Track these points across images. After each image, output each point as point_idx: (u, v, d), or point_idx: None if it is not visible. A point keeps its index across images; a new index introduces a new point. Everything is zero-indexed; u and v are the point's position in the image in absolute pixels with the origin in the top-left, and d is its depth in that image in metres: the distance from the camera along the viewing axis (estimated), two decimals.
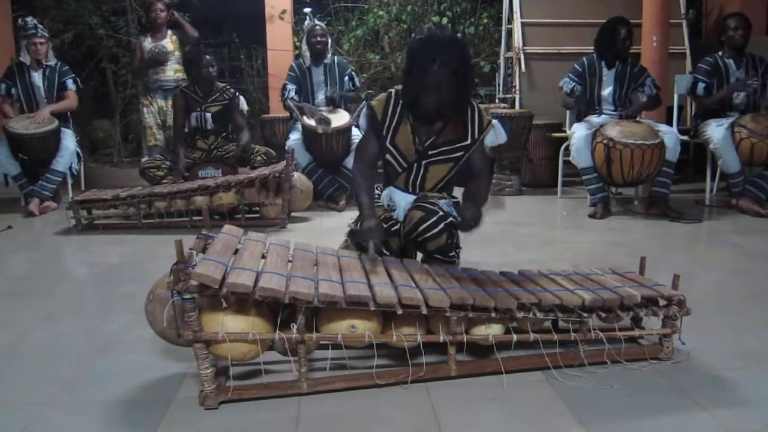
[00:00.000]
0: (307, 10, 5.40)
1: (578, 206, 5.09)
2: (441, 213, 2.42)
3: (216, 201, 4.39)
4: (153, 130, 5.64)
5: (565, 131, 5.48)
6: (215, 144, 5.02)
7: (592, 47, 4.97)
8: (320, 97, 5.38)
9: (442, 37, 2.40)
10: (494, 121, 2.62)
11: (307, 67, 5.35)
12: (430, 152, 2.58)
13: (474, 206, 2.39)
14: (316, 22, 5.40)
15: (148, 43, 5.62)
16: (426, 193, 2.61)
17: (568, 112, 5.35)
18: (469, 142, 2.57)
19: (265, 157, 4.96)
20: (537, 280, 2.37)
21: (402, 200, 2.61)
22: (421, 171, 2.61)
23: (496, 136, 2.62)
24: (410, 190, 2.63)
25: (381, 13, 7.25)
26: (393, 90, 2.62)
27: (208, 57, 4.92)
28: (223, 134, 5.06)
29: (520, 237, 4.14)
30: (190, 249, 2.03)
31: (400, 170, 2.62)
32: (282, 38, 6.92)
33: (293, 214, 4.76)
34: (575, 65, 5.00)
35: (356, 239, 2.47)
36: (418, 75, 2.40)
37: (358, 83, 5.51)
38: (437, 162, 2.59)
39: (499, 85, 6.99)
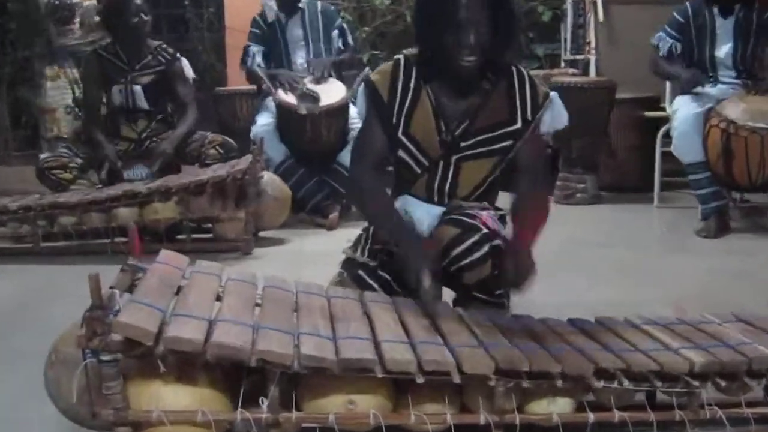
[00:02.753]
0: None
1: (683, 219, 5.07)
2: (485, 230, 2.43)
3: (149, 215, 4.40)
4: (57, 114, 5.68)
5: (663, 109, 5.47)
6: (148, 131, 5.03)
7: None
8: (299, 61, 5.40)
9: None
10: (552, 94, 2.65)
11: (276, 19, 5.38)
12: (462, 143, 2.60)
13: (522, 243, 2.39)
14: None
15: None
16: (460, 202, 2.62)
17: (668, 81, 5.35)
18: (519, 125, 2.59)
19: (220, 150, 4.96)
20: (623, 333, 2.36)
21: (424, 214, 2.62)
22: (450, 172, 2.62)
23: (553, 116, 2.65)
24: (435, 200, 2.64)
25: None
26: (402, 55, 2.63)
27: (138, 2, 4.96)
28: (160, 116, 5.07)
29: (597, 264, 4.11)
30: (112, 287, 2.03)
31: (419, 172, 2.63)
32: None
33: (262, 233, 4.76)
34: (674, 13, 5.01)
35: (400, 270, 2.45)
36: (437, 10, 2.44)
37: (351, 41, 5.53)
38: (474, 157, 2.60)
39: (565, 41, 7.00)
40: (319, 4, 5.51)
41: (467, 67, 2.49)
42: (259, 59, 5.34)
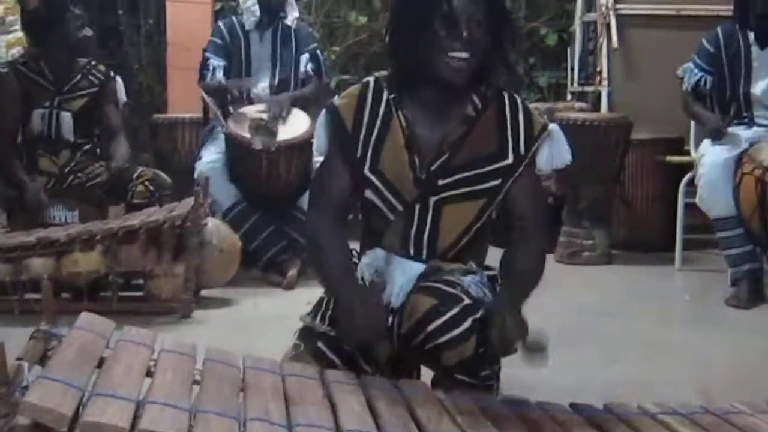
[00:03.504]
0: None
1: (710, 284, 5.11)
2: (466, 301, 2.43)
3: (68, 267, 4.39)
4: None
5: (688, 152, 5.52)
6: (72, 164, 5.06)
7: (732, 7, 5.05)
8: (261, 84, 5.44)
9: None
10: (552, 126, 2.66)
11: (243, 30, 5.44)
12: (441, 181, 2.60)
13: (510, 300, 2.41)
14: None
15: None
16: (440, 263, 2.62)
17: (693, 121, 5.41)
18: (510, 161, 2.60)
19: (150, 187, 4.97)
20: (636, 424, 2.35)
21: (398, 273, 2.62)
22: (429, 217, 2.62)
23: (552, 153, 2.66)
24: (412, 253, 2.64)
25: None
26: (371, 78, 2.66)
27: (76, 11, 4.99)
28: (86, 147, 5.09)
29: (608, 338, 4.13)
30: (19, 358, 2.01)
31: (391, 218, 2.63)
32: None
33: (205, 292, 4.77)
34: (702, 41, 5.07)
35: (348, 342, 2.48)
36: (424, 17, 2.47)
37: (323, 70, 5.61)
38: (456, 199, 2.61)
39: (572, 69, 7.08)
40: (295, 22, 5.57)
41: (455, 72, 2.49)
42: (219, 75, 5.39)
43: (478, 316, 2.41)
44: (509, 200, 2.63)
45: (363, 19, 7.33)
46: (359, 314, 2.43)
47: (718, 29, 5.05)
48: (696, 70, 5.03)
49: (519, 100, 2.66)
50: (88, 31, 5.01)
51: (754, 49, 4.95)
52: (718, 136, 4.89)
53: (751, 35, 4.94)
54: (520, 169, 2.61)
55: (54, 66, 5.02)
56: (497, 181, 2.60)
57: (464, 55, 2.49)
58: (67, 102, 5.01)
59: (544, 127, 2.64)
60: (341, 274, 2.53)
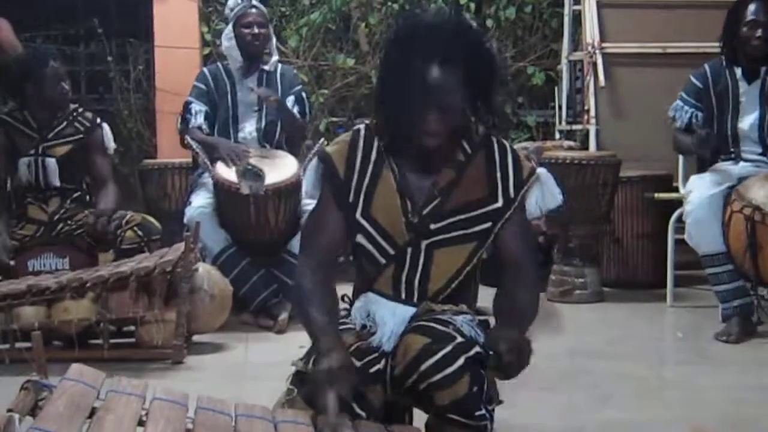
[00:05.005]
0: None
1: (702, 321, 5.11)
2: (459, 339, 2.43)
3: (58, 315, 4.37)
4: None
5: (677, 189, 5.54)
6: (61, 212, 5.05)
7: (719, 44, 5.08)
8: (248, 128, 5.46)
9: (439, 20, 2.51)
10: (540, 170, 2.69)
11: (228, 76, 5.48)
12: (432, 225, 2.61)
13: (510, 327, 2.42)
14: (253, 1, 5.53)
15: None
16: (431, 305, 2.62)
17: (680, 157, 5.43)
18: (500, 204, 2.62)
19: (139, 233, 4.96)
20: None
21: (389, 316, 2.61)
22: (421, 261, 2.62)
23: (543, 195, 2.68)
24: (403, 298, 2.64)
25: None
26: (362, 126, 2.68)
27: (54, 65, 4.99)
28: (75, 194, 5.09)
29: (601, 379, 4.11)
30: (9, 410, 2.00)
31: (383, 262, 2.64)
32: (180, 27, 7.06)
33: (196, 338, 4.74)
34: (691, 78, 5.10)
35: (308, 389, 2.46)
36: (401, 88, 2.48)
37: (307, 111, 5.62)
38: (447, 243, 2.62)
39: (560, 108, 7.11)
40: (279, 65, 5.61)
41: (431, 138, 2.52)
42: (200, 120, 5.40)
43: (471, 354, 2.41)
44: (500, 243, 2.64)
45: (350, 62, 7.36)
46: (333, 359, 2.39)
47: (706, 66, 5.08)
48: (686, 107, 5.04)
49: (507, 145, 2.68)
50: (65, 86, 4.99)
51: (742, 84, 4.97)
52: (706, 143, 4.85)
53: (738, 71, 4.97)
54: (510, 213, 2.62)
55: (37, 114, 5.02)
56: (487, 225, 2.62)
57: (433, 141, 2.51)
58: (51, 148, 5.01)
59: (533, 171, 2.66)
60: (323, 322, 2.50)
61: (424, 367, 2.41)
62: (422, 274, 2.63)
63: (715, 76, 5.02)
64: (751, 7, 4.81)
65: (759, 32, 4.79)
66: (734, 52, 4.94)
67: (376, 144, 2.64)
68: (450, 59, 2.46)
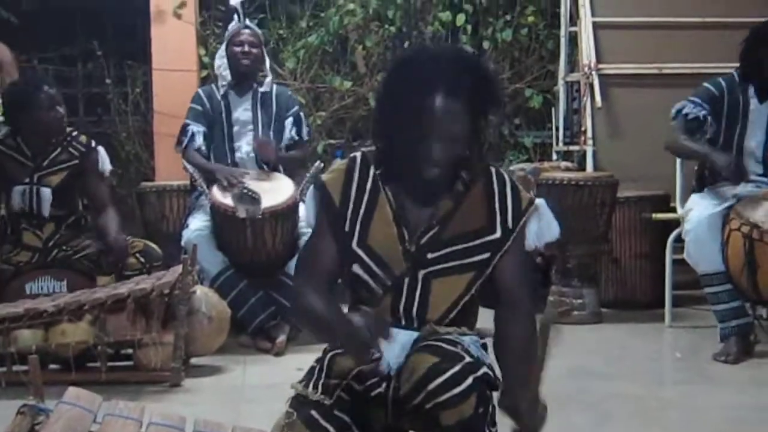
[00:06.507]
0: (234, 0, 5.55)
1: (701, 341, 5.11)
2: (468, 359, 2.42)
3: (56, 338, 4.36)
4: None
5: (674, 209, 5.54)
6: (56, 237, 5.04)
7: (716, 65, 5.09)
8: (244, 148, 5.46)
9: (441, 51, 2.53)
10: (538, 201, 2.68)
11: (223, 96, 5.49)
12: (430, 255, 2.60)
13: (521, 385, 2.44)
14: (246, 21, 5.57)
15: None
16: (435, 327, 2.61)
17: (678, 173, 5.40)
18: (498, 235, 2.60)
19: (141, 259, 4.98)
20: None
21: (393, 341, 2.60)
22: (418, 290, 2.61)
23: (540, 227, 2.67)
24: (402, 324, 2.63)
25: (351, 6, 7.44)
26: (358, 154, 2.66)
27: (49, 91, 4.98)
28: (70, 220, 5.09)
29: (600, 399, 4.11)
30: None
31: (380, 292, 2.62)
32: (178, 49, 7.07)
33: (194, 360, 4.73)
34: (705, 85, 5.05)
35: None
36: (404, 115, 2.47)
37: (305, 133, 5.64)
38: (445, 272, 2.60)
39: (557, 129, 7.11)
40: (274, 86, 5.62)
41: (431, 169, 2.51)
42: (200, 141, 5.41)
43: (479, 374, 2.41)
44: (497, 273, 2.62)
45: (347, 84, 7.38)
46: (360, 331, 2.40)
47: (720, 79, 5.04)
48: (694, 107, 4.95)
49: (506, 176, 2.67)
50: (60, 111, 4.97)
51: (753, 102, 4.96)
52: (737, 172, 4.80)
53: (751, 89, 4.97)
54: (509, 244, 2.61)
55: (31, 141, 5.02)
56: (486, 255, 2.60)
57: (436, 171, 2.51)
58: (46, 177, 5.00)
59: (531, 202, 2.65)
60: (334, 314, 2.50)
61: (432, 386, 2.39)
62: (420, 303, 2.61)
63: (729, 88, 5.00)
64: None
65: None
66: (753, 70, 4.92)
67: (372, 172, 2.62)
68: (453, 89, 2.45)
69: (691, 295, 5.73)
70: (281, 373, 3.98)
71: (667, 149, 5.20)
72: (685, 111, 4.98)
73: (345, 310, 2.62)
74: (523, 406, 2.43)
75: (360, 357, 2.44)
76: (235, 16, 5.60)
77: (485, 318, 2.77)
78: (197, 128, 5.43)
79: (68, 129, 5.16)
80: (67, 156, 5.05)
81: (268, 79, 5.59)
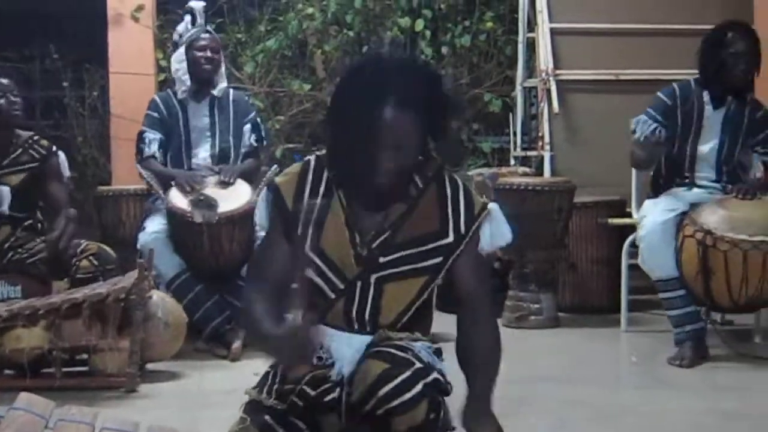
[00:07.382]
0: (195, 3, 5.52)
1: (656, 345, 5.14)
2: (418, 365, 2.42)
3: (10, 343, 4.33)
4: None
5: (630, 214, 5.58)
6: (12, 240, 5.02)
7: (673, 71, 5.12)
8: (201, 154, 5.46)
9: (392, 60, 2.52)
10: (491, 206, 2.68)
11: (179, 101, 5.48)
12: (382, 259, 2.60)
13: (483, 397, 2.49)
14: (206, 26, 5.56)
15: None
16: (387, 332, 2.60)
17: (634, 178, 5.45)
18: (451, 239, 2.61)
19: (95, 262, 4.95)
20: None
21: (344, 347, 2.60)
22: (370, 294, 2.60)
23: (492, 232, 2.67)
24: (356, 329, 2.63)
25: (311, 10, 7.45)
26: (312, 157, 2.67)
27: (4, 81, 4.95)
28: (28, 222, 5.06)
29: (557, 404, 4.12)
30: None
31: (333, 296, 2.61)
32: (135, 53, 7.06)
33: (150, 366, 4.71)
34: (659, 95, 5.09)
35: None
36: (354, 125, 2.47)
37: (264, 136, 5.65)
38: (397, 276, 2.60)
39: (515, 134, 7.14)
40: (231, 91, 5.63)
41: (383, 176, 2.50)
42: (154, 148, 5.39)
43: (429, 380, 2.41)
44: (454, 276, 2.63)
45: (306, 87, 7.38)
46: (290, 343, 2.37)
47: (675, 85, 5.09)
48: (650, 121, 5.00)
49: (459, 181, 2.67)
50: (11, 98, 4.88)
51: (708, 109, 5.00)
52: (659, 144, 4.93)
53: (706, 95, 5.00)
54: (461, 248, 2.61)
55: None
56: (438, 259, 2.60)
57: (385, 181, 2.50)
58: (6, 176, 4.97)
59: (484, 207, 2.65)
60: (270, 327, 2.46)
61: (382, 392, 2.39)
62: (372, 307, 2.61)
63: (683, 96, 5.03)
64: (732, 37, 4.86)
65: (742, 65, 4.84)
66: (713, 75, 4.94)
67: (325, 176, 2.62)
68: (403, 99, 2.44)
69: (647, 299, 5.76)
70: (238, 379, 3.96)
71: (634, 167, 5.28)
72: (638, 130, 5.01)
73: (298, 315, 2.62)
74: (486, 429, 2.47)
75: (291, 371, 2.45)
76: (188, 18, 5.54)
77: (440, 323, 2.78)
78: (153, 135, 5.41)
79: (29, 133, 5.13)
80: (28, 158, 5.03)
81: (223, 85, 5.56)
